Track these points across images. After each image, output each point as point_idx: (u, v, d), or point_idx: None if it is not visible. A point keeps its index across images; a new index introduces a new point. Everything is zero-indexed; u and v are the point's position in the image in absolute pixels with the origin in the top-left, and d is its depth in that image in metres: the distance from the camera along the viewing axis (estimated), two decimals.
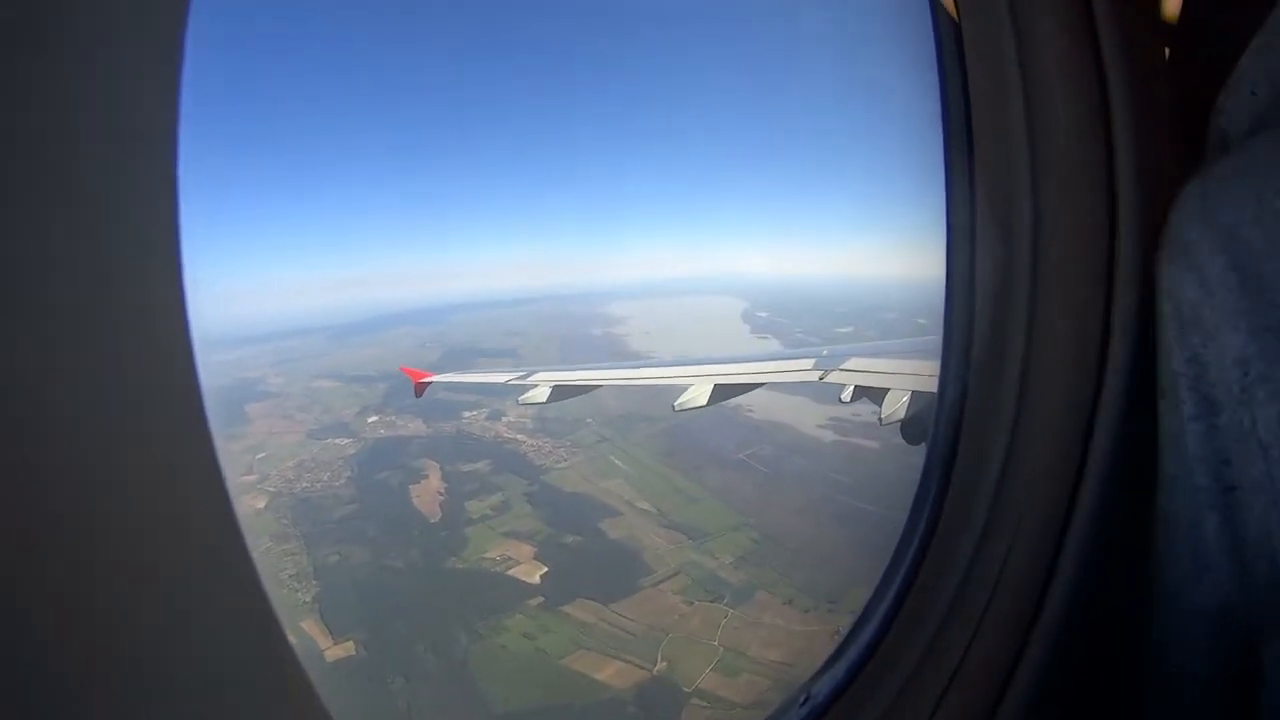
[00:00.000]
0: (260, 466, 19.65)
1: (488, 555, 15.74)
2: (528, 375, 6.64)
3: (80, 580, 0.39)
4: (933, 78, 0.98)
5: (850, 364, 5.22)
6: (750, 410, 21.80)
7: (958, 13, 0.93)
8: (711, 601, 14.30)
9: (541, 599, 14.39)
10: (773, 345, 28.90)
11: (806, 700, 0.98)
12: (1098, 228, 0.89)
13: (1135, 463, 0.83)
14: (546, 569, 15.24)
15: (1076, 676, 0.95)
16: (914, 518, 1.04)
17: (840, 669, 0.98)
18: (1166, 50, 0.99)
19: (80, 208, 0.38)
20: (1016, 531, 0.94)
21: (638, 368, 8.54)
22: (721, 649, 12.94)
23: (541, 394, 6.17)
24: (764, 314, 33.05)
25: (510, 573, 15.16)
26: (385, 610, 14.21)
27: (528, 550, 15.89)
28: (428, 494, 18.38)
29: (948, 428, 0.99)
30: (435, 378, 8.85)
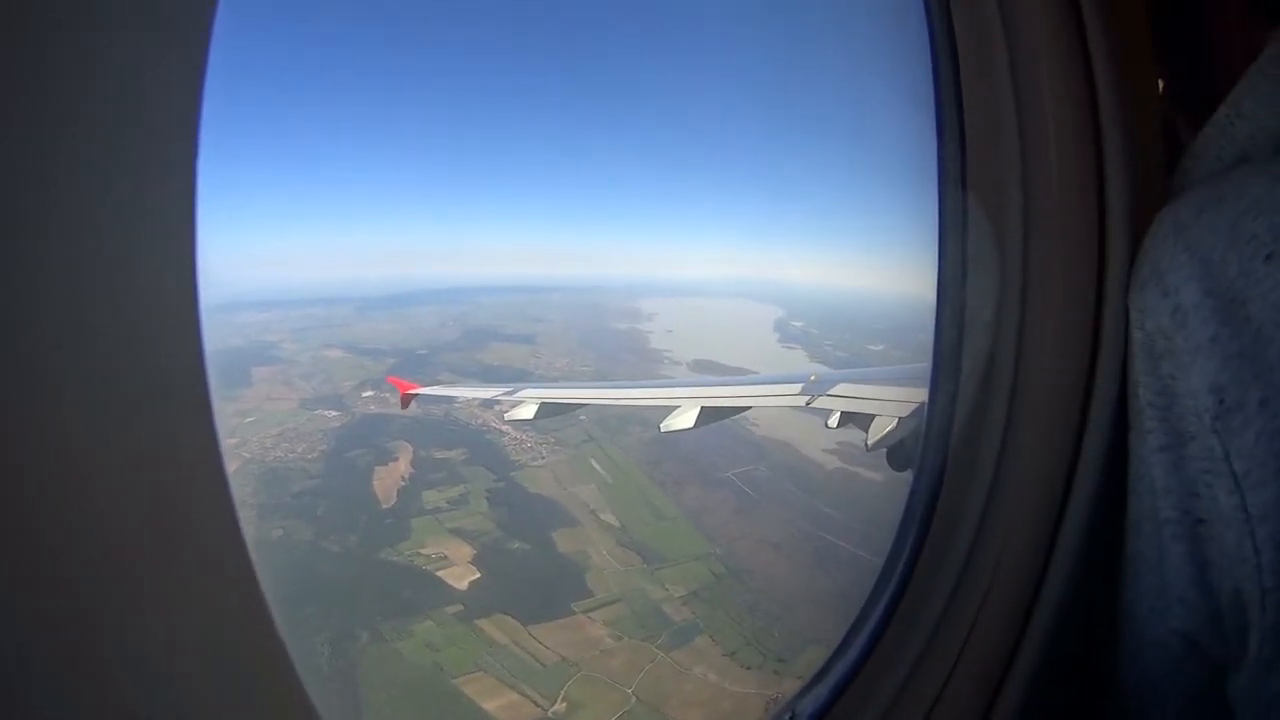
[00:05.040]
0: (244, 430, 19.73)
1: (424, 551, 14.80)
2: (515, 391, 6.71)
3: (70, 570, 0.39)
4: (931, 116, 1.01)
5: (837, 389, 5.21)
6: (754, 425, 19.77)
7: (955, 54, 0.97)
8: (643, 640, 12.67)
9: (461, 607, 13.26)
10: (798, 356, 26.77)
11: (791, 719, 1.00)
12: (1088, 260, 0.90)
13: (1122, 492, 0.83)
14: (479, 575, 14.12)
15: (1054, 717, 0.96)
16: (899, 543, 1.04)
17: (824, 690, 0.99)
18: (1160, 83, 1.01)
19: (98, 166, 0.37)
20: (998, 563, 0.94)
21: (626, 387, 8.43)
22: (634, 698, 11.32)
23: (528, 411, 6.16)
24: (799, 324, 30.88)
25: (440, 573, 14.14)
26: (304, 594, 13.58)
27: (466, 552, 14.83)
28: (390, 478, 17.73)
29: (934, 454, 1.01)
30: (422, 390, 8.79)
